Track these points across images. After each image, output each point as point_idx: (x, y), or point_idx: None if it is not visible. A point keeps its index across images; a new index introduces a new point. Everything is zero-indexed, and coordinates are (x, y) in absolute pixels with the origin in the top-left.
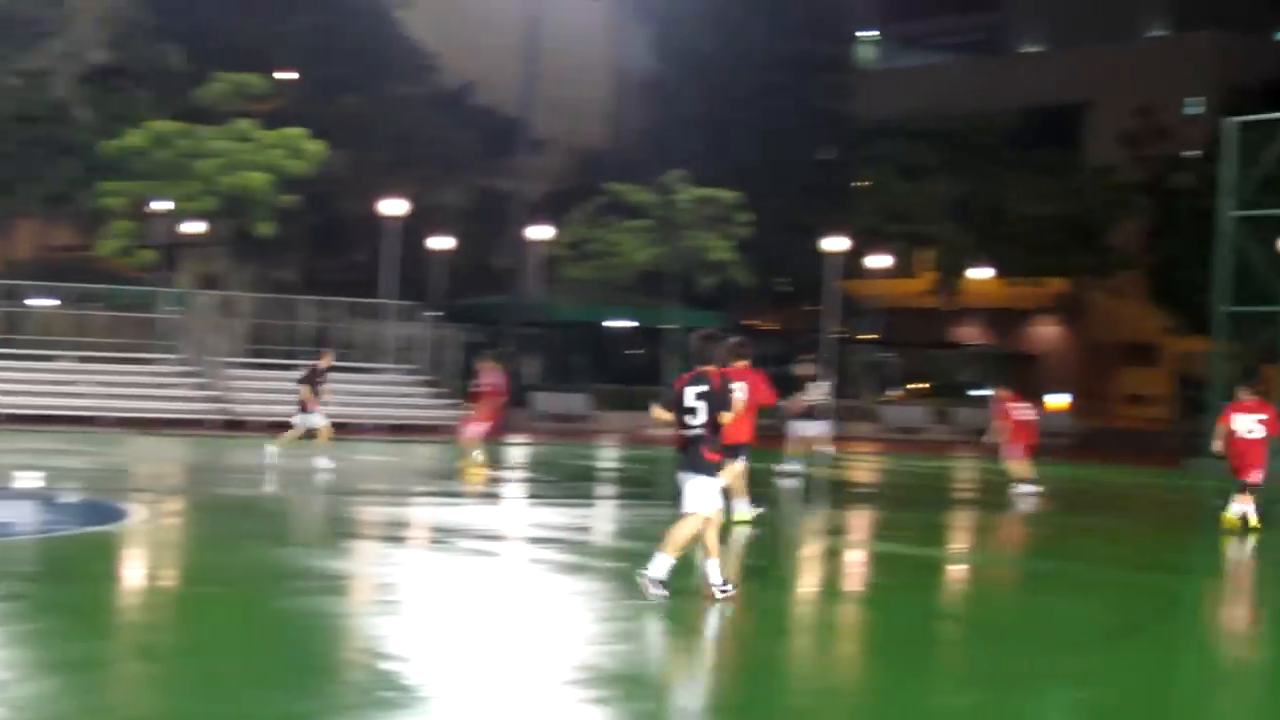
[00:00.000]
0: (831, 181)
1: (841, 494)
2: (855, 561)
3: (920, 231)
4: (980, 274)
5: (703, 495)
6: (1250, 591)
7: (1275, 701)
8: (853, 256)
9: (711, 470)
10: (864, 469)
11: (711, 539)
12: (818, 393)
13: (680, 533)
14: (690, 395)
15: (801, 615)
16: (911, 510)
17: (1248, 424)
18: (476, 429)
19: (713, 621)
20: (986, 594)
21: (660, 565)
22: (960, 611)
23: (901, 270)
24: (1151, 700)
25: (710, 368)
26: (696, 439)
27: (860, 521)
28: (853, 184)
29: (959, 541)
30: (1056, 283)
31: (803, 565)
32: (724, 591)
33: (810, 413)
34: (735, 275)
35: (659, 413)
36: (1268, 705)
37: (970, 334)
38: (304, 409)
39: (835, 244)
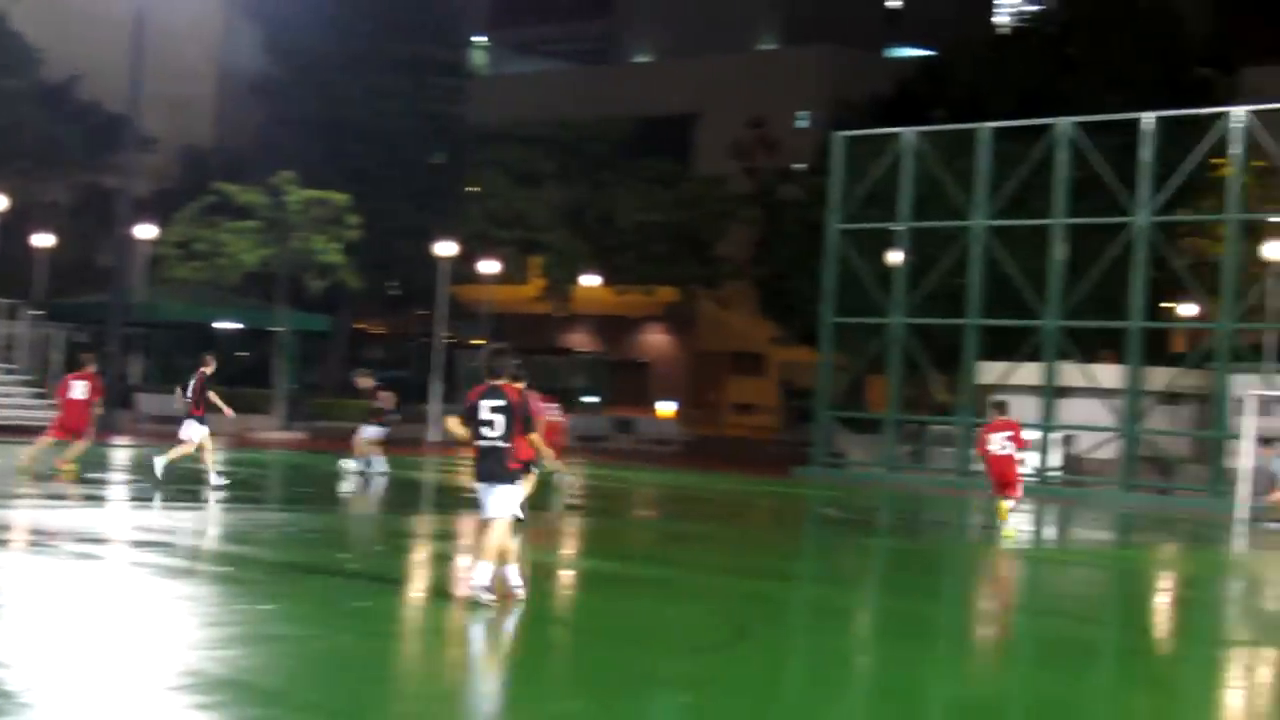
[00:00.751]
0: (443, 186)
1: (451, 498)
2: (462, 566)
3: (531, 238)
4: (590, 281)
5: (504, 502)
6: (859, 596)
7: (880, 703)
8: (464, 261)
9: (512, 479)
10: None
11: (494, 544)
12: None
13: (491, 539)
14: (485, 409)
15: (409, 620)
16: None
17: (1000, 442)
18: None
19: (324, 627)
20: (596, 600)
21: (482, 572)
22: (569, 617)
23: (513, 276)
24: (756, 703)
25: (503, 382)
26: (494, 450)
27: (467, 525)
28: (465, 189)
29: (569, 546)
30: (666, 291)
31: (409, 569)
32: (488, 592)
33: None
34: (345, 278)
35: (454, 426)
36: (873, 707)
37: (580, 341)
38: None
39: (446, 249)
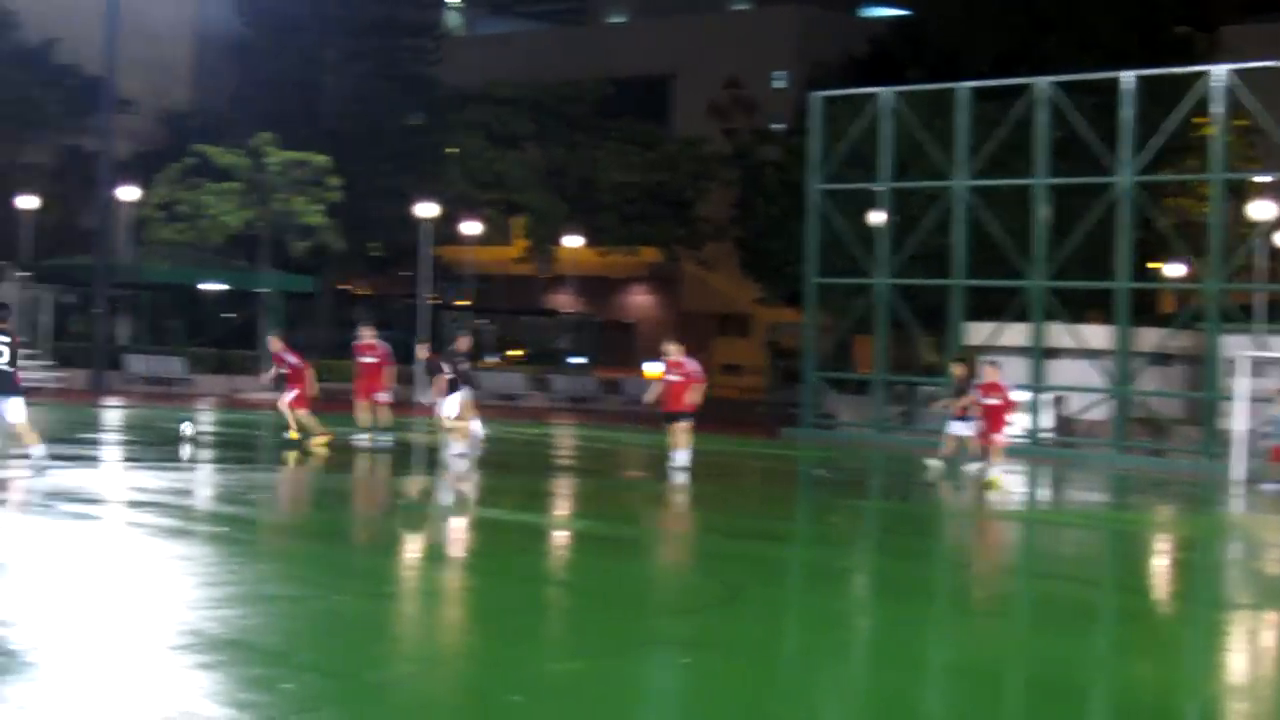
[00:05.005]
0: (422, 147)
1: (438, 460)
2: (458, 527)
3: (512, 199)
4: (573, 242)
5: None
6: (854, 558)
7: (879, 664)
8: (445, 222)
9: None
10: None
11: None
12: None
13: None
14: None
15: (407, 580)
16: (512, 476)
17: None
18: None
19: (321, 587)
20: (590, 560)
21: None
22: (564, 578)
23: (495, 237)
24: (754, 663)
25: None
26: None
27: (462, 487)
28: (443, 150)
29: (560, 508)
30: (650, 252)
31: (407, 530)
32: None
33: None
34: (327, 239)
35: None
36: (871, 669)
37: (565, 302)
38: None
39: (426, 210)
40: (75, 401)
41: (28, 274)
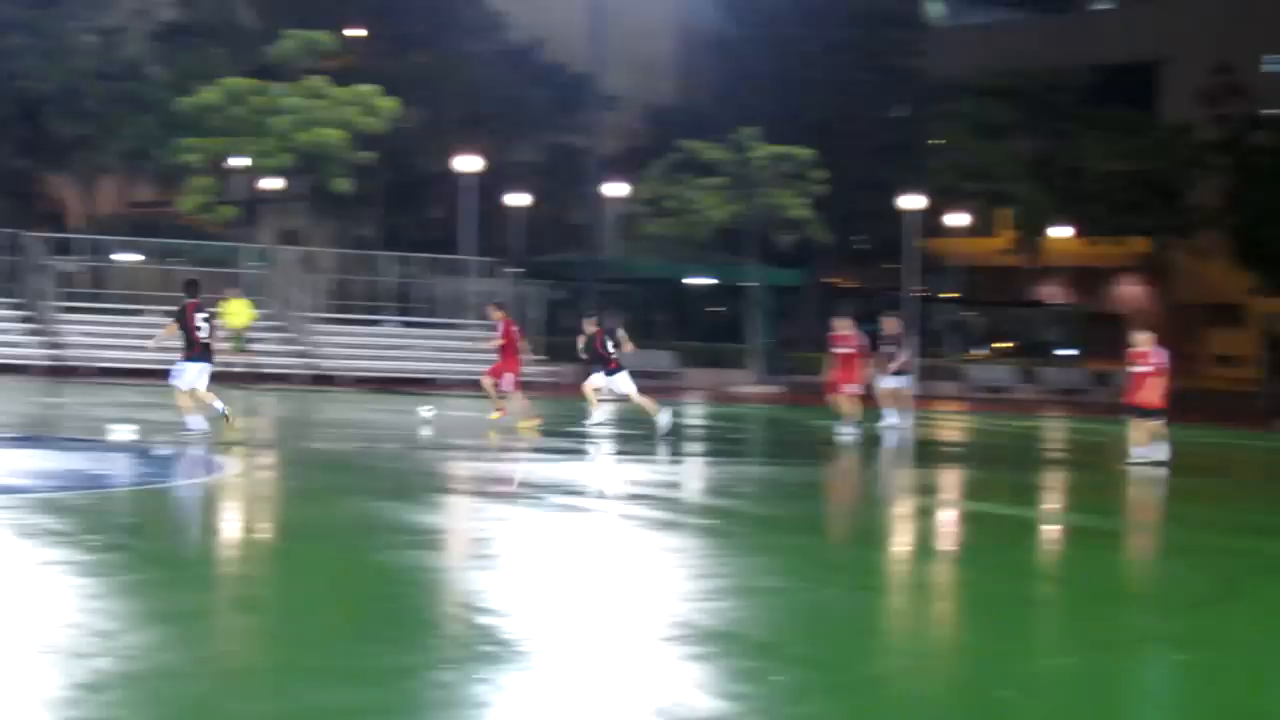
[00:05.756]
0: (905, 139)
1: (929, 453)
2: (947, 520)
3: (998, 190)
4: (1060, 233)
5: None
6: None
7: None
8: (930, 215)
9: None
10: (951, 428)
11: None
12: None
13: None
14: None
15: (893, 573)
16: (1002, 470)
17: None
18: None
19: (809, 580)
20: (1079, 554)
21: None
22: (1054, 571)
23: (981, 229)
24: (1251, 662)
25: None
26: None
27: (950, 480)
28: (927, 142)
29: (1051, 502)
30: (1138, 242)
31: (894, 524)
32: None
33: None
34: (813, 233)
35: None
36: None
37: (1053, 293)
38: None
39: (912, 202)
40: (566, 396)
41: (518, 270)
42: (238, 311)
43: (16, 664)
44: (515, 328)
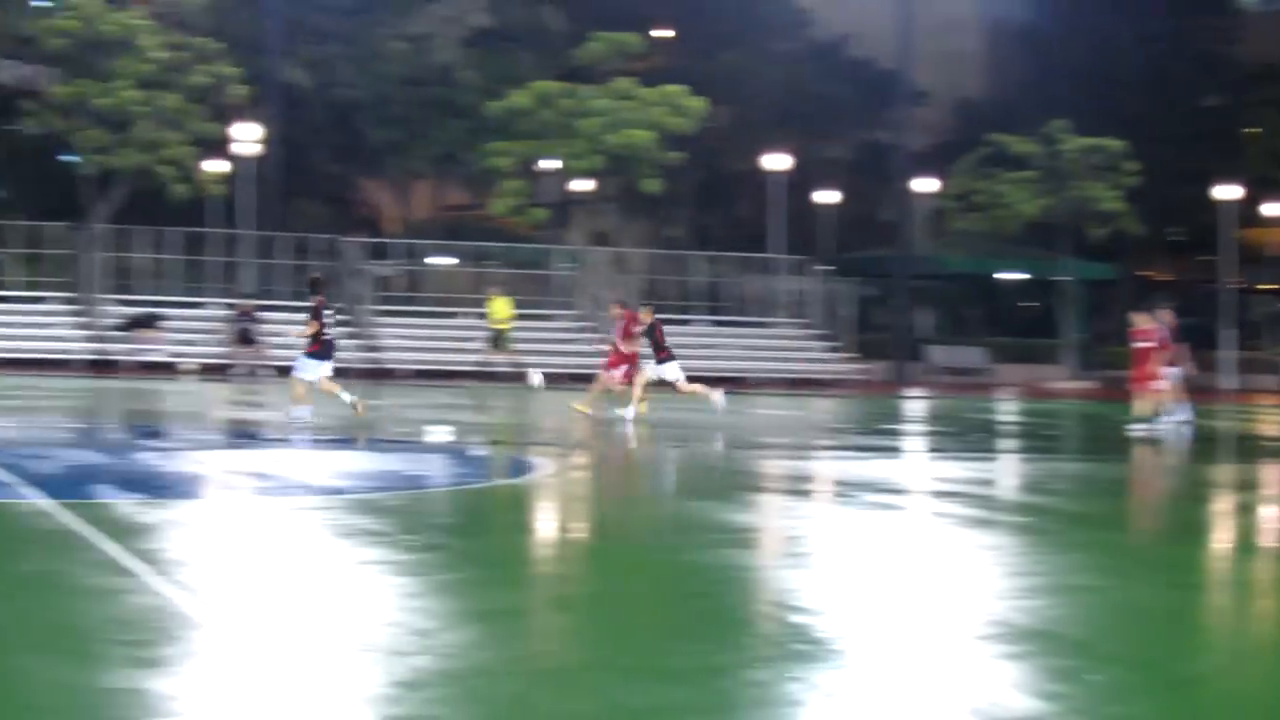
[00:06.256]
0: (1219, 128)
1: (1247, 448)
2: (1267, 517)
3: None
4: None
5: None
6: None
7: None
8: (1247, 204)
9: None
10: (1270, 422)
11: None
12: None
13: None
14: None
15: (1213, 570)
16: None
17: None
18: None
19: (1122, 577)
20: None
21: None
22: None
23: None
24: None
25: None
26: None
27: (1270, 476)
28: (1242, 130)
29: None
30: None
31: (1209, 519)
32: None
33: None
34: (1126, 225)
35: None
36: None
37: None
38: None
39: (1228, 192)
40: (877, 393)
41: (829, 268)
42: (500, 310)
43: (339, 661)
44: (638, 327)
